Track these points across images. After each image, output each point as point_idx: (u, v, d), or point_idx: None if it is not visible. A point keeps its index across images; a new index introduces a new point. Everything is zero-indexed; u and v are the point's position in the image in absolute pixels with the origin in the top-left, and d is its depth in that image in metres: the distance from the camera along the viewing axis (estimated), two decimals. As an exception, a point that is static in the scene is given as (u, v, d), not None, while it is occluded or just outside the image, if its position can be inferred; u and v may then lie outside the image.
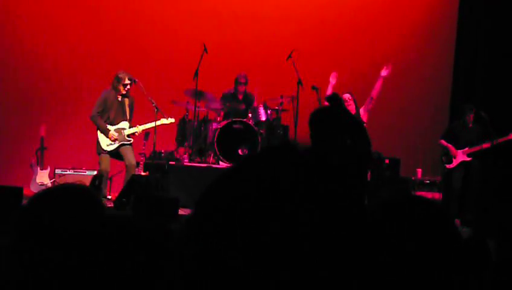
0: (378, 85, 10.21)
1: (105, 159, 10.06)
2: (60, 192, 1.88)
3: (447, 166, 10.78)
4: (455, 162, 10.70)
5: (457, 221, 10.37)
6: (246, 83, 11.27)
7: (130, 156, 10.07)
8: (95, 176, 9.93)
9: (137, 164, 10.13)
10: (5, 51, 12.40)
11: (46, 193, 1.88)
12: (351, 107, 10.28)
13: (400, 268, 1.50)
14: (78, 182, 1.92)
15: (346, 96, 10.26)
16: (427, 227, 1.54)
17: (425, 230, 1.54)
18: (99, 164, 10.07)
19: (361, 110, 10.39)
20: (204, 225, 1.14)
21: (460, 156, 10.67)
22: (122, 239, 1.64)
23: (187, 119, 11.08)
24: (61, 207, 1.79)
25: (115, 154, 10.11)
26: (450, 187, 10.83)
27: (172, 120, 10.42)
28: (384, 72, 10.17)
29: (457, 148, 10.69)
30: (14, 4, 12.47)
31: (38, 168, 11.08)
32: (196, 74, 10.70)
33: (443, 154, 10.86)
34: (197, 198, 1.21)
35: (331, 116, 5.05)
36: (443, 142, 10.84)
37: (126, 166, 10.08)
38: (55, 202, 1.83)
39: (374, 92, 10.21)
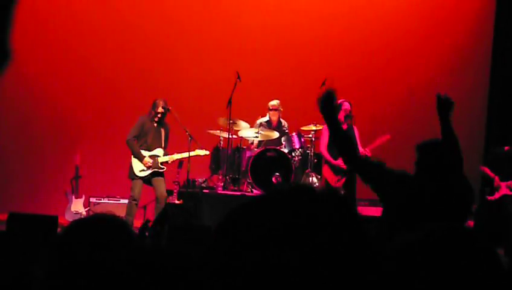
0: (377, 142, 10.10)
1: (138, 184, 10.08)
2: (94, 222, 1.87)
3: (489, 197, 10.31)
4: (497, 195, 10.30)
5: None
6: (278, 110, 11.24)
7: (161, 188, 10.09)
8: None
9: (171, 192, 10.14)
10: (41, 80, 12.55)
11: (80, 223, 1.88)
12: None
13: None
14: (109, 213, 1.91)
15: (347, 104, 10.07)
16: (469, 260, 1.50)
17: (467, 263, 1.49)
18: (132, 189, 10.10)
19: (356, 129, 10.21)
20: (224, 250, 1.12)
21: (504, 189, 10.29)
22: (155, 270, 1.62)
23: (220, 147, 11.09)
24: (94, 237, 1.79)
25: (147, 181, 10.14)
26: (487, 216, 10.46)
27: (206, 152, 10.43)
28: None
29: (501, 179, 10.23)
30: (50, 31, 12.63)
31: (73, 197, 11.15)
32: (230, 102, 10.73)
33: (485, 185, 10.42)
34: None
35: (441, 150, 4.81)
36: (487, 170, 10.39)
37: (157, 197, 10.09)
38: (89, 232, 1.82)
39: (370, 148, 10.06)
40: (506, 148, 10.40)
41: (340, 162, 10.03)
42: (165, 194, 10.08)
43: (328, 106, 4.50)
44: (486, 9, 13.25)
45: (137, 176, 10.05)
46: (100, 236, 1.80)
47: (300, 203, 1.16)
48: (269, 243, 1.09)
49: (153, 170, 10.07)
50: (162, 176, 10.18)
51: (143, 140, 10.12)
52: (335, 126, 4.66)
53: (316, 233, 1.11)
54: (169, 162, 10.18)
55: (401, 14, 13.26)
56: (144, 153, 10.08)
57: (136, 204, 10.06)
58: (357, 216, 1.21)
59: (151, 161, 10.04)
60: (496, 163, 10.34)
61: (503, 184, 10.27)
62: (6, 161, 12.35)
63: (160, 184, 10.12)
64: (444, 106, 4.84)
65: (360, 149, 10.00)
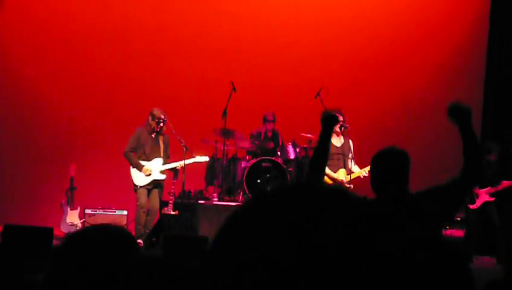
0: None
1: (143, 193, 10.09)
2: (96, 233, 1.86)
3: (470, 206, 10.31)
4: (478, 203, 10.31)
5: (489, 259, 10.17)
6: (273, 121, 11.25)
7: (154, 201, 10.14)
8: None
9: (167, 203, 10.14)
10: (36, 92, 12.54)
11: (81, 234, 1.87)
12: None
13: None
14: (113, 223, 1.90)
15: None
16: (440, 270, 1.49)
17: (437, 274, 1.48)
18: (137, 199, 10.08)
19: (351, 142, 10.16)
20: (220, 264, 1.09)
21: (484, 196, 10.32)
22: (158, 280, 1.62)
23: (216, 158, 11.09)
24: (97, 248, 1.78)
25: (148, 190, 10.15)
26: (473, 226, 10.45)
27: (206, 158, 10.45)
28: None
29: (480, 186, 10.27)
30: (46, 42, 12.63)
31: (68, 208, 11.10)
32: (225, 112, 10.73)
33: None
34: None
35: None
36: None
37: (148, 208, 10.14)
38: (91, 243, 1.81)
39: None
40: None
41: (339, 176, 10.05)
42: (157, 207, 10.11)
43: (330, 124, 4.48)
44: (481, 13, 13.27)
45: (138, 186, 10.07)
46: (102, 246, 1.80)
47: (302, 201, 1.09)
48: (273, 244, 1.05)
49: (153, 178, 10.08)
50: (160, 188, 10.20)
51: (141, 151, 10.14)
52: (326, 142, 4.53)
53: (321, 231, 1.06)
54: (179, 167, 10.16)
55: (395, 22, 13.28)
56: (143, 163, 10.09)
57: (145, 212, 10.06)
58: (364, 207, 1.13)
59: (150, 169, 10.05)
60: None
61: (481, 191, 10.30)
62: (1, 173, 12.32)
63: (155, 197, 10.14)
64: (458, 112, 4.27)
65: (356, 168, 9.95)
